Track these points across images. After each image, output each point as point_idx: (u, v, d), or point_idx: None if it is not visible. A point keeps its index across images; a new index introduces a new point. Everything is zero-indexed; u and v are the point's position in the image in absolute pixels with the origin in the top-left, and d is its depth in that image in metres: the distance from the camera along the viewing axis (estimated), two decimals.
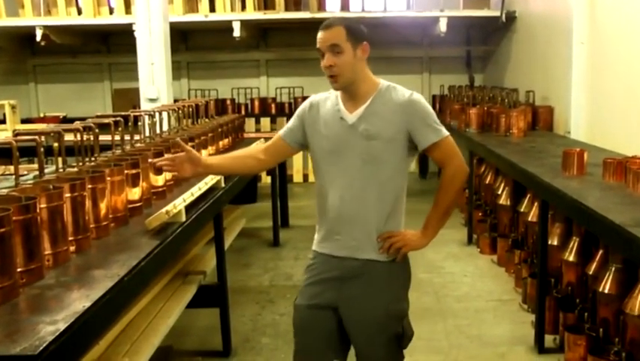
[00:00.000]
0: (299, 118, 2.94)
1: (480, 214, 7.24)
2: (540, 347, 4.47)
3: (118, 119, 3.98)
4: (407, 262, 2.91)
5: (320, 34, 2.73)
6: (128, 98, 9.89)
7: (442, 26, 9.47)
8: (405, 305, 2.90)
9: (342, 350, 2.92)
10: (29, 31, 9.38)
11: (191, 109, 5.58)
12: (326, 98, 2.90)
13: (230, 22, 9.36)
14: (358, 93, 2.79)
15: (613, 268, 3.71)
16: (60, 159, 3.22)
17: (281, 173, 8.02)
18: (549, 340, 4.53)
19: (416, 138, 2.76)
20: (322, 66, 2.74)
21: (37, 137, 3.01)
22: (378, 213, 2.78)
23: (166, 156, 3.09)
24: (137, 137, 4.38)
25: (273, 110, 10.77)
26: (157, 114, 4.73)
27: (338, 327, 2.86)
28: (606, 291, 3.72)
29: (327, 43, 2.70)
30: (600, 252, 3.98)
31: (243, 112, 10.23)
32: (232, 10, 9.67)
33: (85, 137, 3.46)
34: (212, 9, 9.64)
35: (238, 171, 3.42)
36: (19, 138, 3.08)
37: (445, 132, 2.78)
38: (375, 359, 2.87)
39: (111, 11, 9.61)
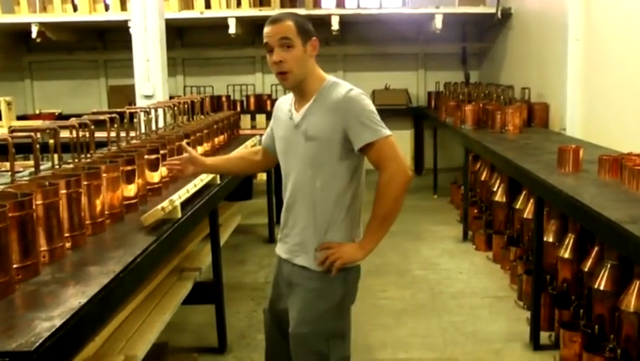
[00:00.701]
0: (271, 123, 2.96)
1: (475, 211, 7.25)
2: (535, 344, 4.48)
3: (113, 115, 3.96)
4: (346, 278, 2.75)
5: (268, 29, 2.62)
6: (123, 94, 9.87)
7: (438, 23, 9.46)
8: (335, 325, 2.74)
9: None
10: (25, 28, 9.35)
11: (186, 106, 5.58)
12: (286, 99, 2.86)
13: (225, 18, 9.34)
14: (306, 91, 2.70)
15: (608, 265, 3.72)
16: (56, 156, 3.21)
17: (276, 170, 7.95)
18: (544, 337, 4.54)
19: (350, 137, 2.61)
20: (271, 62, 2.63)
21: (32, 133, 3.01)
22: (315, 221, 2.69)
23: (172, 157, 3.14)
24: (132, 133, 4.37)
25: (269, 107, 10.71)
26: (152, 111, 4.72)
27: None
28: (601, 288, 3.73)
29: (277, 37, 2.59)
30: (595, 249, 3.99)
31: (238, 109, 10.20)
32: (227, 6, 9.65)
33: (80, 133, 3.45)
34: (208, 6, 9.62)
35: (234, 170, 3.46)
36: (14, 134, 3.08)
37: (385, 132, 2.60)
38: None
39: (107, 8, 9.59)
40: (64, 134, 3.38)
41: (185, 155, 3.11)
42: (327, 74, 2.78)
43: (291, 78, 2.63)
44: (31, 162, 3.27)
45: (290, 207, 2.78)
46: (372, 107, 2.66)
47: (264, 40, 2.63)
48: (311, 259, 2.71)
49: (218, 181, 4.33)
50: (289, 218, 2.80)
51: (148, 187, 3.68)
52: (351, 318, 2.87)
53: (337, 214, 2.70)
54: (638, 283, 3.41)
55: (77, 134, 3.41)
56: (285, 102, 2.86)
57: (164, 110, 5.20)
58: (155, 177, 3.77)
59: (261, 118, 10.63)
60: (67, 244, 2.67)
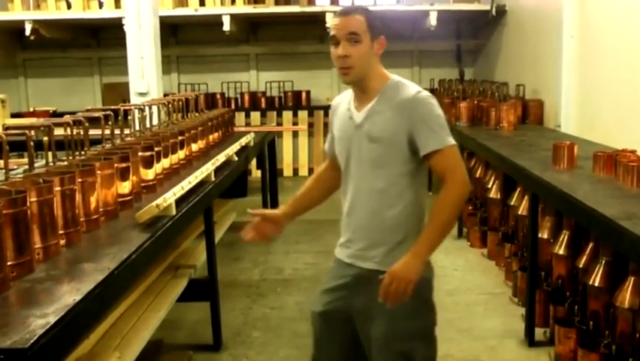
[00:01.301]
0: (329, 126, 2.84)
1: (470, 208, 7.24)
2: (530, 340, 4.49)
3: (108, 113, 3.96)
4: (423, 275, 2.55)
5: (337, 21, 2.51)
6: (117, 92, 9.84)
7: (432, 20, 9.46)
8: (416, 323, 2.62)
9: None
10: (19, 26, 9.33)
11: (181, 103, 5.56)
12: (343, 99, 2.75)
13: (220, 16, 9.33)
14: (368, 90, 2.58)
15: (603, 261, 3.72)
16: (50, 153, 3.21)
17: (271, 167, 8.00)
18: (539, 333, 4.55)
19: (417, 141, 2.50)
20: (335, 56, 2.52)
21: (27, 131, 3.00)
22: (381, 224, 2.59)
23: (249, 229, 2.88)
24: (127, 131, 4.37)
25: (263, 104, 10.76)
26: (147, 108, 4.71)
27: (354, 338, 2.70)
28: (596, 284, 3.73)
29: (346, 31, 2.49)
30: (590, 245, 3.99)
31: (232, 106, 10.20)
32: (222, 4, 9.65)
33: (75, 131, 3.45)
34: (202, 3, 9.62)
35: (320, 200, 3.03)
36: (9, 131, 3.07)
37: (451, 141, 2.53)
38: None
39: (101, 5, 9.58)
40: (59, 131, 3.36)
41: (256, 219, 2.88)
42: (384, 69, 2.67)
43: (353, 73, 2.53)
44: (26, 160, 3.26)
45: (351, 210, 2.67)
46: (440, 112, 2.57)
47: (331, 33, 2.53)
48: (382, 263, 2.58)
49: (213, 178, 4.33)
50: (351, 222, 2.68)
51: (142, 184, 3.67)
52: None
53: (403, 217, 2.61)
54: (632, 279, 3.41)
55: (71, 131, 3.41)
56: (342, 102, 2.74)
57: (158, 108, 5.19)
58: (149, 174, 3.76)
59: (255, 115, 10.65)
60: (62, 241, 2.67)
